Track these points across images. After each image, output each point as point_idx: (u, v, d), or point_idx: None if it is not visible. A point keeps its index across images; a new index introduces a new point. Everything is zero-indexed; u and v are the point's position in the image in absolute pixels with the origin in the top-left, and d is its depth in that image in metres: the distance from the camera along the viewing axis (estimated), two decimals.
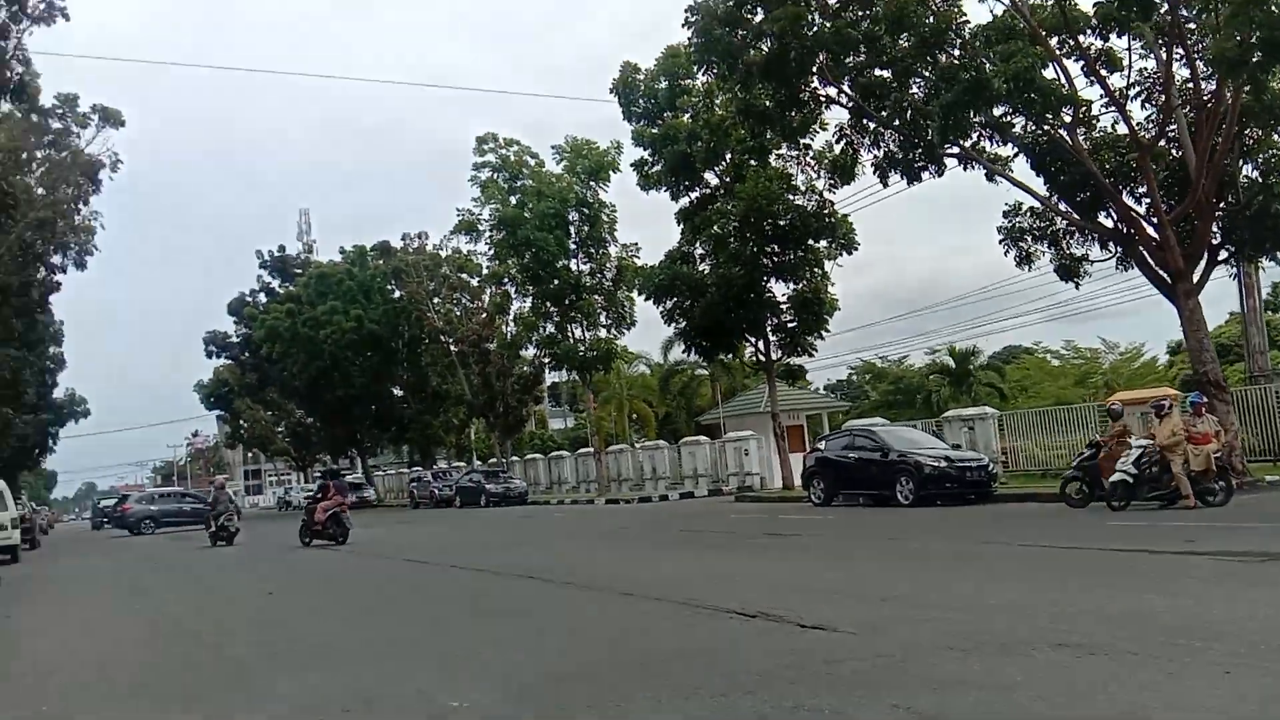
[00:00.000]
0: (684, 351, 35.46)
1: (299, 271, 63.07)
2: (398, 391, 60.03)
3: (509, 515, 32.55)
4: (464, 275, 52.55)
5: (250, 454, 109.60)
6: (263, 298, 63.12)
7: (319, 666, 7.78)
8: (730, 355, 34.54)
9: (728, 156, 30.69)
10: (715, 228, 30.65)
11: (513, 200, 41.65)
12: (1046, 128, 20.04)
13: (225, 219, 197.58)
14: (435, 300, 52.52)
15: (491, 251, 43.80)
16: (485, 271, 49.25)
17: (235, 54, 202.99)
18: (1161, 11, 17.51)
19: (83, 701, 7.26)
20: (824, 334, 30.74)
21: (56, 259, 33.02)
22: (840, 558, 13.32)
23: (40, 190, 33.24)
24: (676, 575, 12.09)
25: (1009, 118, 19.72)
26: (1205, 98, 18.16)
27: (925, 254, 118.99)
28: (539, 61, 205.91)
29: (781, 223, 29.42)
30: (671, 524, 22.28)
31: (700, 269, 31.42)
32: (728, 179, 30.89)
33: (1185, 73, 18.29)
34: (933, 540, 14.47)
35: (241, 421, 78.78)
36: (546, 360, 44.79)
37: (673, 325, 32.29)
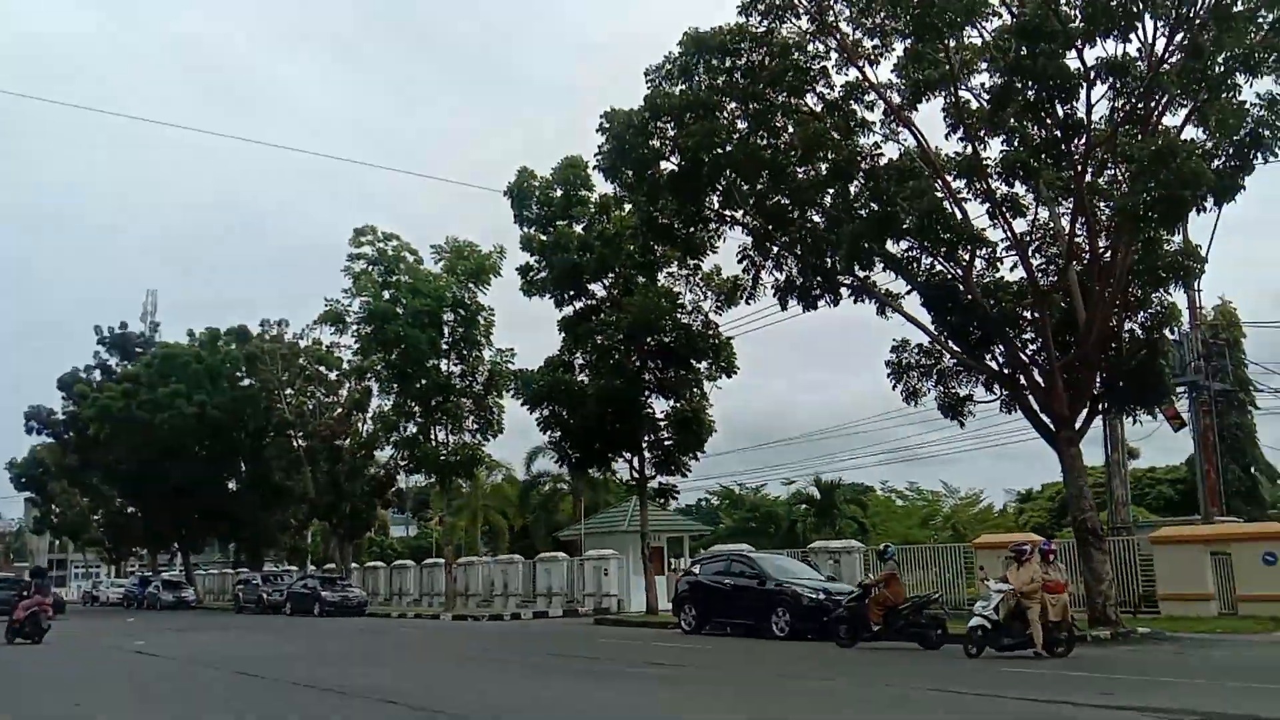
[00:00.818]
0: (557, 463, 34.28)
1: (140, 351, 59.22)
2: (232, 485, 56.21)
3: (348, 627, 30.09)
4: (322, 368, 50.27)
5: (57, 542, 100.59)
6: (98, 375, 58.73)
7: None
8: (603, 469, 33.52)
9: (616, 270, 30.44)
10: (599, 339, 30.12)
11: (385, 295, 40.01)
12: (941, 267, 20.42)
13: (61, 289, 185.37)
14: (288, 391, 49.84)
15: (357, 345, 41.93)
16: (346, 366, 47.30)
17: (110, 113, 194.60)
18: (1063, 166, 18.23)
19: None
20: (699, 455, 30.23)
21: None
22: (743, 696, 12.27)
23: None
24: (568, 708, 10.84)
25: (912, 253, 19.99)
26: (1100, 251, 18.81)
27: (776, 387, 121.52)
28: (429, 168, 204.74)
29: (666, 339, 29.09)
30: (537, 646, 20.76)
31: (580, 379, 30.65)
32: (615, 292, 30.52)
33: (1076, 227, 18.93)
34: (836, 680, 13.63)
35: (54, 506, 72.57)
36: (404, 462, 42.58)
37: (548, 433, 31.17)
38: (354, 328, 41.56)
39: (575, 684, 13.54)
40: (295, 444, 49.10)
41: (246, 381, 52.19)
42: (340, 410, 47.96)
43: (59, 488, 68.43)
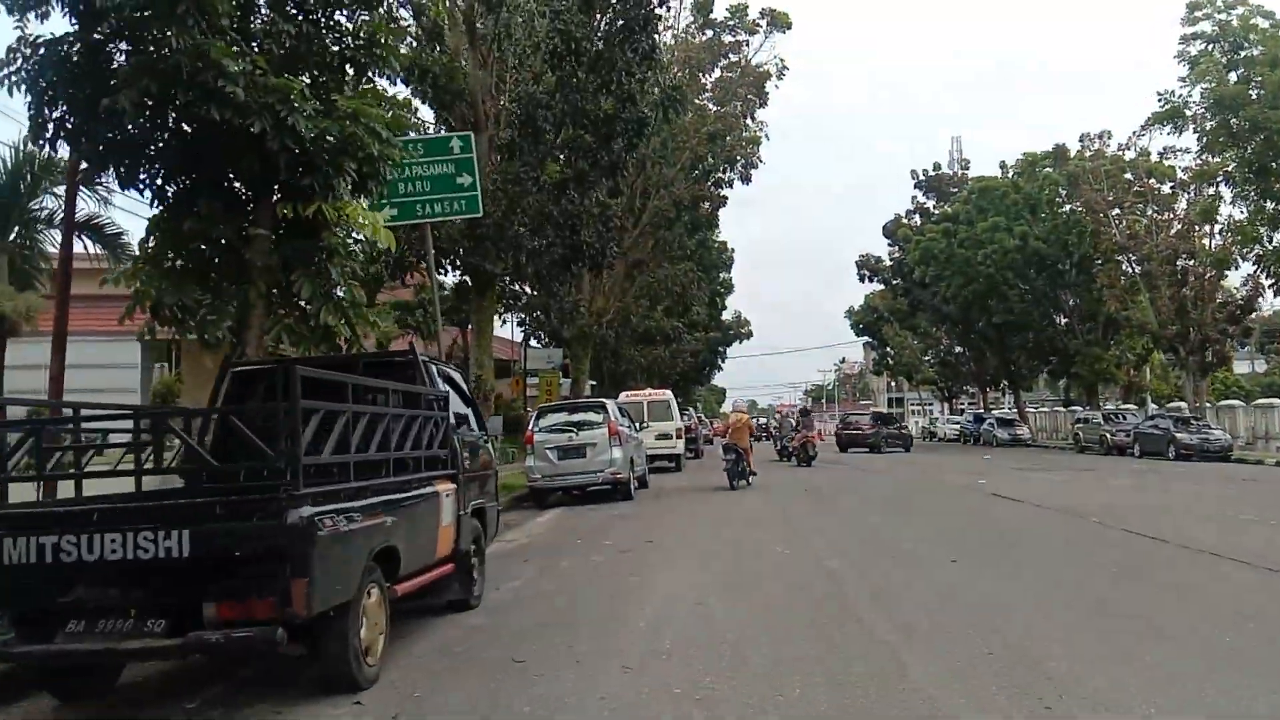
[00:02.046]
0: None
1: (954, 191, 59.27)
2: (1060, 320, 53.35)
3: (1219, 474, 25.37)
4: (1152, 181, 44.06)
5: (893, 382, 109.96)
6: (917, 219, 60.61)
7: None
8: None
9: None
10: None
11: (1233, 77, 32.82)
12: None
13: (870, 146, 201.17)
14: (1115, 212, 44.78)
15: (1200, 145, 35.34)
16: (1182, 175, 40.71)
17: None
18: None
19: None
20: None
21: (722, 174, 33.14)
22: None
23: (712, 107, 33.58)
24: None
25: None
26: None
27: None
28: None
29: None
30: None
31: None
32: None
33: None
34: None
35: (888, 349, 78.50)
36: (1270, 281, 35.21)
37: None
38: (1193, 126, 35.21)
39: None
40: (1128, 269, 44.19)
41: (1066, 208, 48.47)
42: (1180, 226, 41.55)
43: (891, 331, 73.58)
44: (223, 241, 10.65)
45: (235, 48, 9.49)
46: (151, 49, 9.29)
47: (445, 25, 19.62)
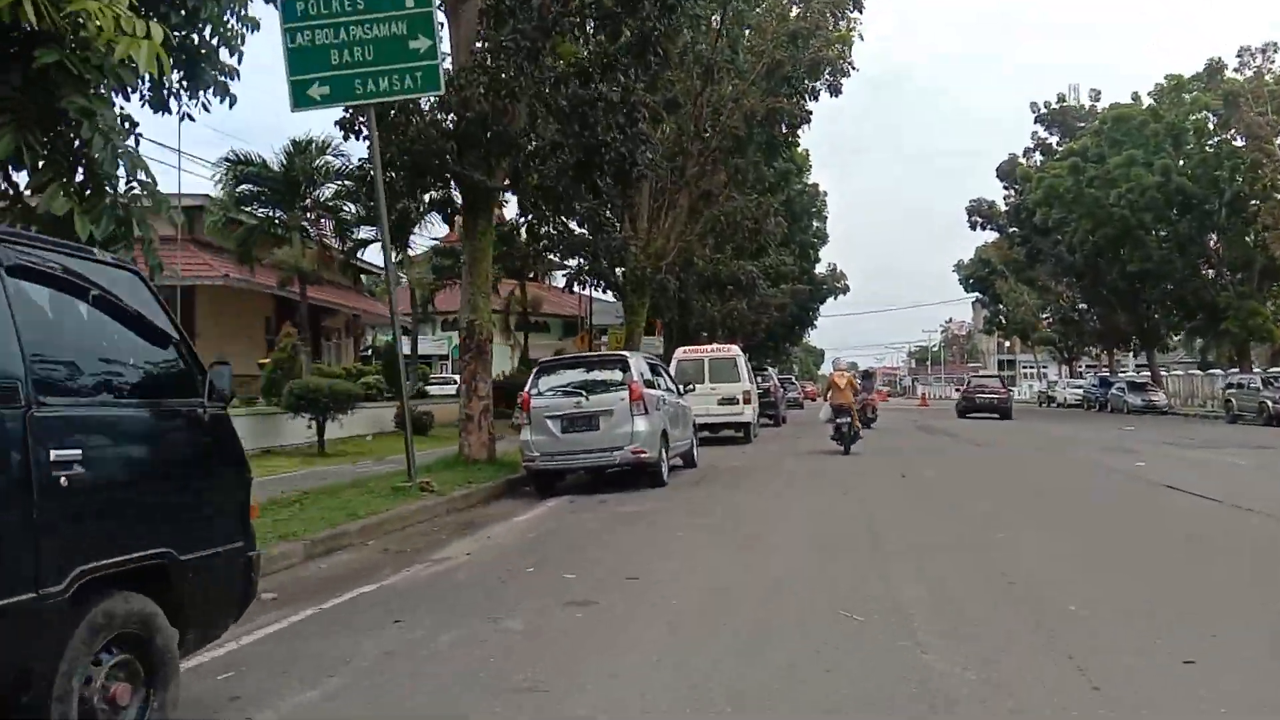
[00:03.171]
0: None
1: (1082, 126, 52.31)
2: (1206, 269, 46.30)
3: None
4: None
5: (1005, 342, 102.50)
6: (1038, 157, 53.94)
7: None
8: None
9: None
10: None
11: None
12: None
13: (978, 91, 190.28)
14: (1278, 141, 37.87)
15: None
16: None
17: None
18: None
19: None
20: None
21: (805, 84, 27.61)
22: None
23: (795, 10, 28.23)
24: None
25: None
26: None
27: None
28: None
29: None
30: None
31: None
32: None
33: None
34: None
35: (1001, 305, 71.97)
36: None
37: None
38: None
39: None
40: None
41: (1216, 139, 41.47)
42: None
43: (1005, 286, 67.16)
44: None
45: None
46: None
47: None
